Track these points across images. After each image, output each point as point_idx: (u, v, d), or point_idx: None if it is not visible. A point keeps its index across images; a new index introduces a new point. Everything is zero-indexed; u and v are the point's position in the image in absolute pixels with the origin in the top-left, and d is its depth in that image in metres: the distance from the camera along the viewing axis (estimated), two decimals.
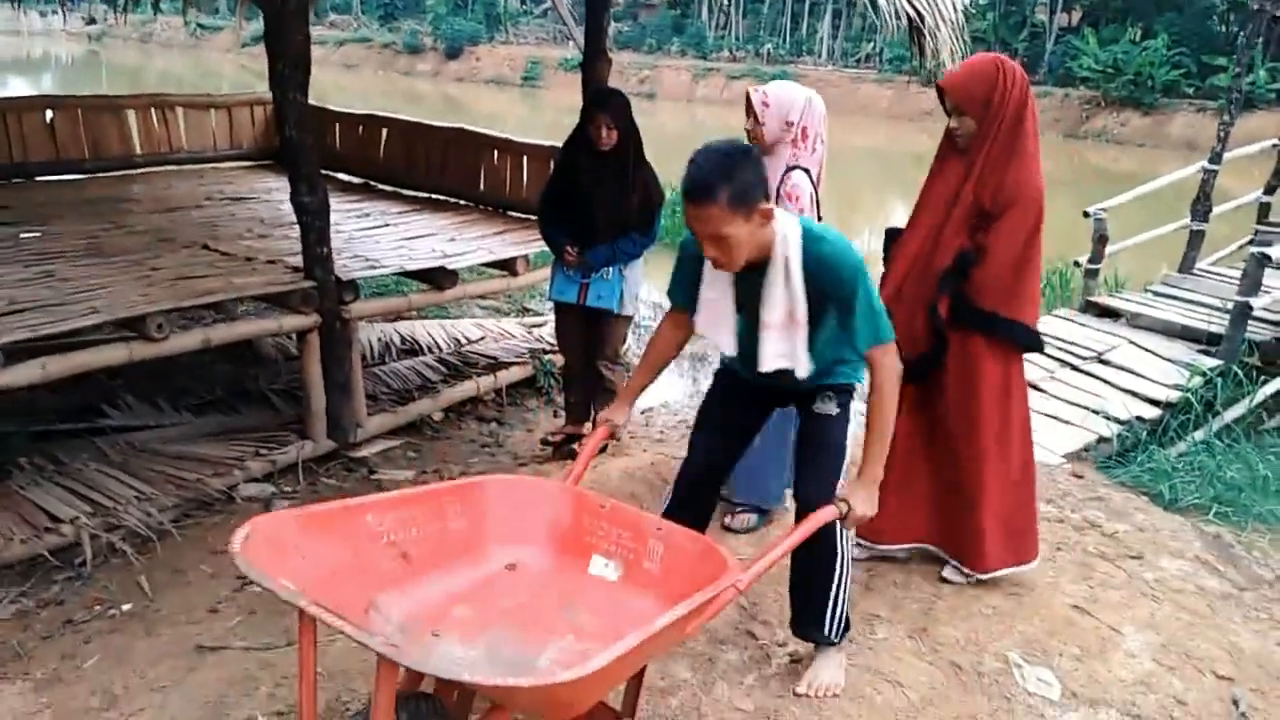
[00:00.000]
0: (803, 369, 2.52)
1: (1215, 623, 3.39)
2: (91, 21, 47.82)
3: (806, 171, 3.54)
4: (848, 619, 2.77)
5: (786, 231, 2.41)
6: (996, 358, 3.14)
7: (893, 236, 3.37)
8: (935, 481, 3.34)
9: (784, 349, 2.51)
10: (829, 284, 2.42)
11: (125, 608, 3.17)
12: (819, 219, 3.62)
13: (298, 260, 4.39)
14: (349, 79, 33.97)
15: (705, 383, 6.31)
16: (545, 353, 5.75)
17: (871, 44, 34.00)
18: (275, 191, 6.21)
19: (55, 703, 2.63)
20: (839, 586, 2.70)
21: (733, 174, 2.25)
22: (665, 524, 2.31)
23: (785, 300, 2.45)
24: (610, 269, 4.22)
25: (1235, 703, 2.91)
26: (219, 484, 4.05)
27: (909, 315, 3.14)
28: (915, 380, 3.16)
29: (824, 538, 2.59)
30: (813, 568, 2.70)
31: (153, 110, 6.56)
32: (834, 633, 2.73)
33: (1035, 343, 3.25)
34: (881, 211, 15.05)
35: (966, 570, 3.32)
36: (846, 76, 32.44)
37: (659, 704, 2.63)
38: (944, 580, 3.37)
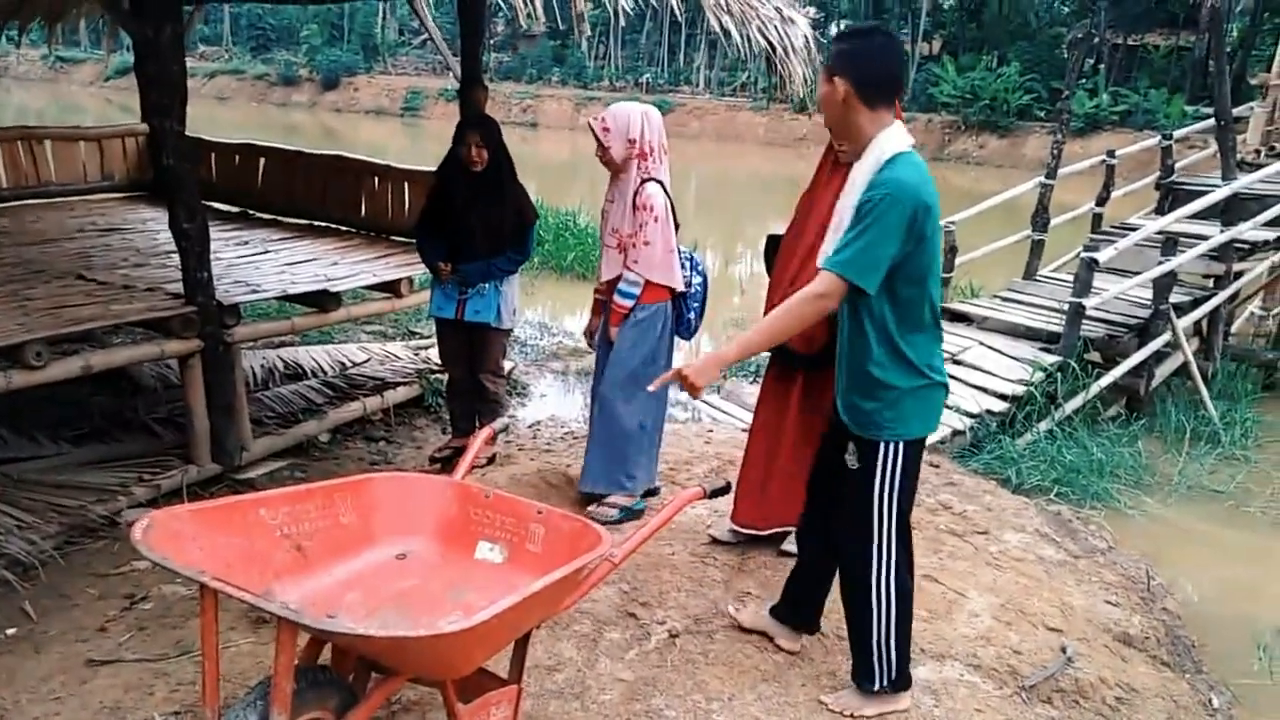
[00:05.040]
0: None
1: (1050, 585, 3.77)
2: None
3: (660, 183, 3.81)
4: (898, 670, 2.78)
5: None
6: None
7: (774, 242, 3.69)
8: None
9: None
10: None
11: (10, 632, 3.16)
12: (675, 226, 3.89)
13: (177, 287, 4.41)
14: (222, 111, 33.19)
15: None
16: (432, 372, 5.86)
17: (746, 74, 35.06)
18: (150, 222, 6.17)
19: None
20: (880, 636, 2.73)
21: None
22: (545, 508, 2.50)
23: None
24: (487, 284, 4.40)
25: (1063, 650, 3.26)
26: (102, 510, 4.02)
27: None
28: (809, 369, 3.50)
29: (856, 588, 2.74)
30: (851, 617, 2.81)
31: (19, 143, 6.43)
32: (883, 683, 2.79)
33: None
34: (762, 233, 15.62)
35: None
36: (724, 105, 33.41)
37: (546, 680, 2.81)
38: (783, 553, 3.66)
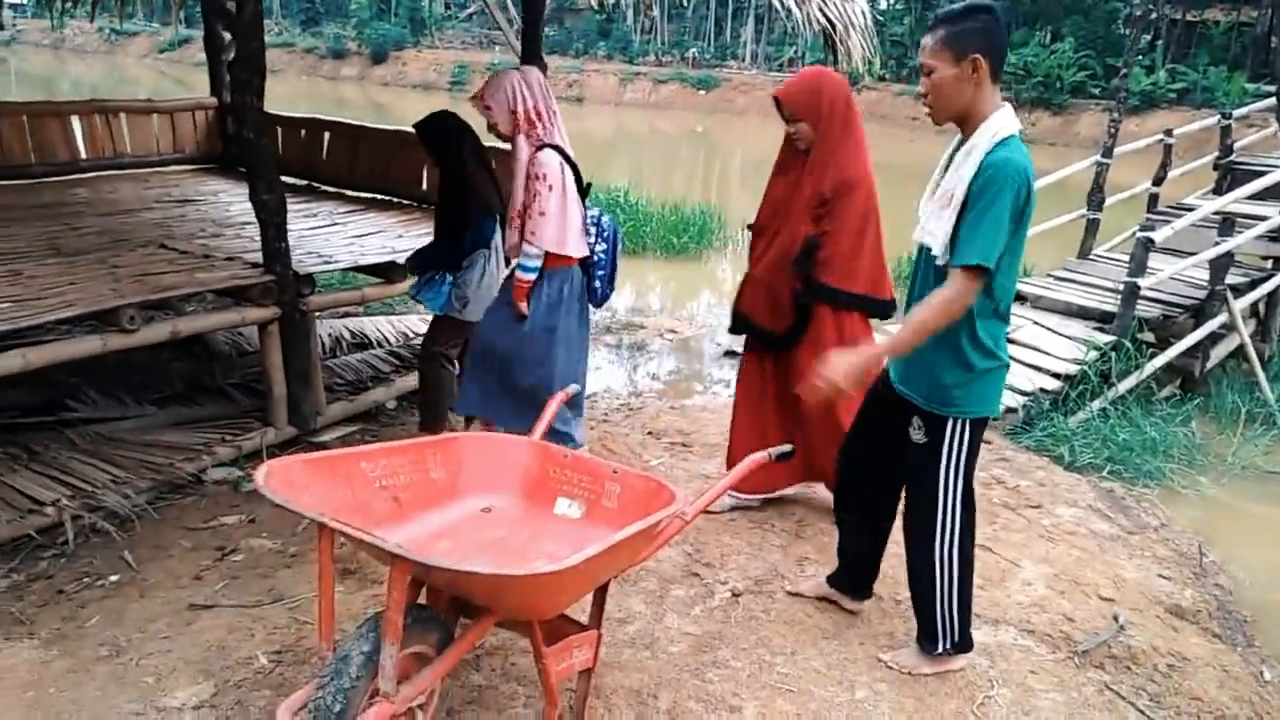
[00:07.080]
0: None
1: (1103, 558, 3.85)
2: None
3: (556, 149, 3.75)
4: (961, 633, 2.88)
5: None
6: (834, 321, 3.63)
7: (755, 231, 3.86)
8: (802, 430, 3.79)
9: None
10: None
11: (113, 578, 3.38)
12: (583, 189, 3.87)
13: (254, 257, 4.60)
14: (273, 84, 33.11)
15: (645, 369, 6.68)
16: None
17: (794, 48, 34.82)
18: (222, 194, 6.38)
19: (67, 653, 2.86)
20: (943, 601, 2.83)
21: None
22: (620, 468, 2.64)
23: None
24: (438, 274, 4.42)
25: (1116, 618, 3.35)
26: (189, 468, 4.25)
27: (770, 294, 3.67)
28: (780, 349, 3.68)
29: (919, 554, 2.83)
30: (914, 584, 2.92)
31: (96, 116, 6.68)
32: (945, 645, 2.90)
33: (880, 310, 3.73)
34: None
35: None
36: (771, 80, 33.11)
37: (618, 631, 2.97)
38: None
